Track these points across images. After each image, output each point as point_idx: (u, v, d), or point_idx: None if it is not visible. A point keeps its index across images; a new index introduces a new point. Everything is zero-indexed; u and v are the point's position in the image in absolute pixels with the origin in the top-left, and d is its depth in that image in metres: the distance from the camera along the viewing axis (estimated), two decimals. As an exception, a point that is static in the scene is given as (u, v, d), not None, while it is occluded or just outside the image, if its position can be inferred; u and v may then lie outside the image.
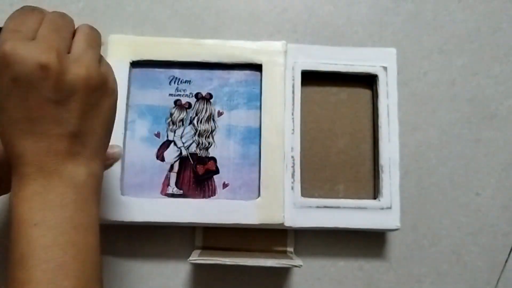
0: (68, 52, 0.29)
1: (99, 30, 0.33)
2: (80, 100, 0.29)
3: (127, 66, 0.45)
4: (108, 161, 0.42)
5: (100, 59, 0.32)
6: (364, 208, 0.44)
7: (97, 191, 0.32)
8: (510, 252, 0.49)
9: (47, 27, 0.29)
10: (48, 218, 0.28)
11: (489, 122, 0.51)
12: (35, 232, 0.27)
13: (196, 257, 0.41)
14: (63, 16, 0.31)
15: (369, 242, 0.48)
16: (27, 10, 0.30)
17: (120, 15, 0.51)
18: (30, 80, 0.27)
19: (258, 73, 0.47)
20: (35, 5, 0.30)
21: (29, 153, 0.29)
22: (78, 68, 0.29)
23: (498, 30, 0.53)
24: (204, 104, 0.46)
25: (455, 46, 0.52)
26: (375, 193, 0.46)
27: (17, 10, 0.30)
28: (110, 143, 0.43)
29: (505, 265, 0.48)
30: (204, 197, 0.45)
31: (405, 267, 0.48)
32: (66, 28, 0.30)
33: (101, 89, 0.30)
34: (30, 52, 0.27)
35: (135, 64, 0.46)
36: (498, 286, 0.48)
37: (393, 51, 0.48)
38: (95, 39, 0.32)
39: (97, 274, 0.30)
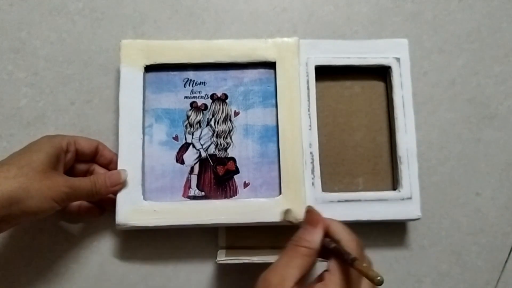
0: None
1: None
2: None
3: (141, 70, 0.45)
4: (116, 187, 0.42)
5: None
6: (385, 200, 0.45)
7: None
8: (510, 252, 0.49)
9: None
10: None
11: (489, 122, 0.51)
12: None
13: (223, 257, 0.41)
14: None
15: (375, 236, 0.48)
16: None
17: (120, 15, 0.51)
18: None
19: (272, 70, 0.47)
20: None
21: None
22: None
23: (498, 30, 0.53)
24: (220, 105, 0.46)
25: (455, 46, 0.52)
26: (394, 184, 0.47)
27: None
28: (115, 169, 0.43)
29: (505, 265, 0.49)
30: (226, 197, 0.45)
31: (405, 267, 0.48)
32: None
33: None
34: None
35: (149, 68, 0.46)
36: (498, 286, 0.48)
37: (405, 41, 0.48)
38: None
39: None
